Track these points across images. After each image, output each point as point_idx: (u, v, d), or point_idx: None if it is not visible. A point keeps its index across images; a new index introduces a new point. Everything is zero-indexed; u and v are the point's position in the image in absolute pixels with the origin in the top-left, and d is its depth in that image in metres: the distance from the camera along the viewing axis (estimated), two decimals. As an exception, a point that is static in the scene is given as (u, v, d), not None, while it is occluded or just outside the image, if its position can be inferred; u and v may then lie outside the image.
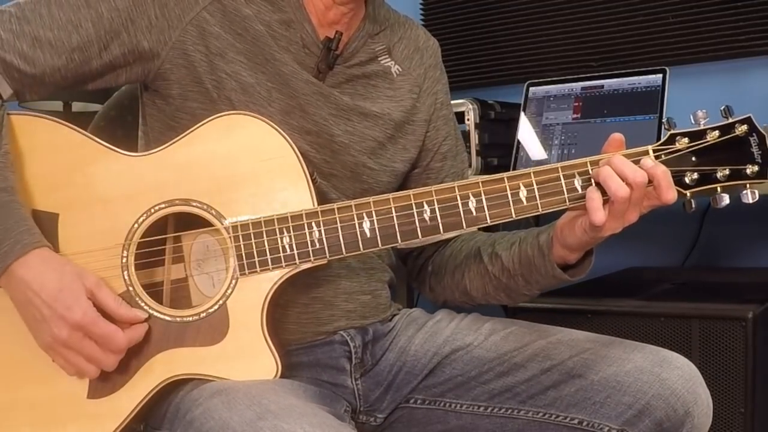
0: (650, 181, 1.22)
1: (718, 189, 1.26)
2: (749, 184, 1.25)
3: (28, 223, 1.23)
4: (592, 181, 1.25)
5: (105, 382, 1.25)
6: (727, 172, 1.24)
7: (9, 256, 1.20)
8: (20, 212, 1.23)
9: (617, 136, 1.27)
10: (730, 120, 1.25)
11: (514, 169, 2.31)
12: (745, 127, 1.25)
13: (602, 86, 2.32)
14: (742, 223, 2.37)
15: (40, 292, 1.20)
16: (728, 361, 1.88)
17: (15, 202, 1.23)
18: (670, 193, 1.22)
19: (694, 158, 1.25)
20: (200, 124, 1.30)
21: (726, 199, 1.25)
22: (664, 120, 1.28)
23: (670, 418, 1.27)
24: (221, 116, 1.29)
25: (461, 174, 1.58)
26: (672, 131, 1.27)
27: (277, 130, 1.29)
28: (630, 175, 1.21)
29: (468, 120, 2.41)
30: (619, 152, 1.25)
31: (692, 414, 1.28)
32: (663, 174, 1.22)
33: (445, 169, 1.55)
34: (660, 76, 2.21)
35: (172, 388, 1.26)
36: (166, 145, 1.30)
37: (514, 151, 2.36)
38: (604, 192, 1.23)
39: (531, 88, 2.42)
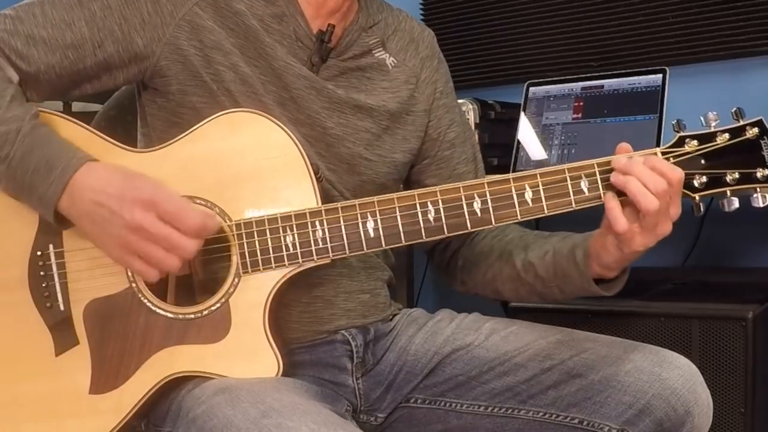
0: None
1: (728, 193, 1.24)
2: (760, 188, 1.23)
3: (71, 146, 1.26)
4: (599, 184, 1.25)
5: (107, 378, 1.25)
6: (737, 175, 1.23)
7: (64, 177, 1.22)
8: (61, 141, 1.26)
9: (624, 146, 1.26)
10: (741, 122, 1.24)
11: (514, 169, 2.32)
12: (756, 130, 1.23)
13: (602, 86, 2.32)
14: (742, 223, 2.37)
15: (106, 187, 1.22)
16: (728, 361, 1.88)
17: (55, 134, 1.26)
18: (675, 172, 1.21)
19: (703, 161, 1.24)
20: (204, 121, 1.30)
21: (736, 203, 1.24)
22: (673, 122, 1.27)
23: (670, 418, 1.27)
24: (225, 113, 1.30)
25: (473, 158, 1.58)
26: (681, 133, 1.26)
27: (281, 127, 1.29)
28: (659, 187, 1.20)
29: (468, 120, 2.41)
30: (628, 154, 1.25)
31: (692, 414, 1.28)
32: (670, 168, 1.21)
33: (455, 156, 1.55)
34: (660, 76, 2.22)
35: (174, 385, 1.27)
36: (171, 142, 1.31)
37: (514, 151, 2.36)
38: (619, 193, 1.23)
39: (531, 88, 2.43)
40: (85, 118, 1.48)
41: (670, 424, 1.28)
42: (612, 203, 1.23)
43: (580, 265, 1.33)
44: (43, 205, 1.24)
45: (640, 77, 2.26)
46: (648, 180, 1.20)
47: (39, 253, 1.28)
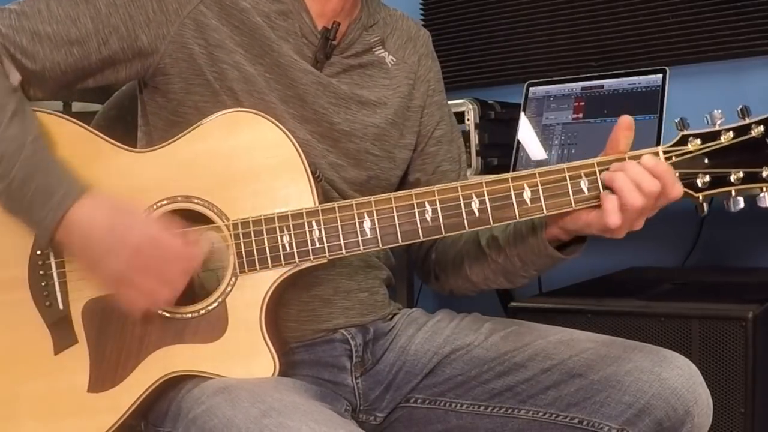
0: None
1: (733, 192, 1.23)
2: (766, 187, 1.21)
3: (71, 174, 1.25)
4: (600, 183, 1.24)
5: (105, 377, 1.25)
6: (741, 174, 1.21)
7: (62, 206, 1.21)
8: (62, 167, 1.25)
9: (627, 119, 1.25)
10: (747, 121, 1.22)
11: (514, 169, 2.32)
12: (762, 128, 1.21)
13: (602, 86, 2.32)
14: (742, 223, 2.36)
15: (94, 229, 1.22)
16: (728, 361, 1.88)
17: (56, 160, 1.26)
18: (675, 190, 1.21)
19: (706, 160, 1.23)
20: (203, 121, 1.30)
21: (741, 203, 1.23)
22: (676, 120, 1.25)
23: (670, 418, 1.27)
24: (225, 113, 1.30)
25: (458, 159, 1.59)
26: (684, 132, 1.24)
27: (280, 128, 1.29)
28: (645, 185, 1.20)
29: (468, 120, 2.41)
30: (628, 153, 1.24)
31: (692, 413, 1.28)
32: (666, 173, 1.21)
33: (441, 153, 1.56)
34: (660, 76, 2.21)
35: (173, 385, 1.27)
36: (169, 141, 1.31)
37: (514, 151, 2.36)
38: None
39: (531, 88, 2.42)
40: (85, 118, 1.48)
41: (670, 424, 1.27)
42: (609, 196, 1.22)
43: (536, 226, 1.34)
44: (39, 232, 1.24)
45: (640, 77, 2.26)
46: (641, 179, 1.20)
47: (39, 252, 1.28)
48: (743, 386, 1.86)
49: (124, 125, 1.55)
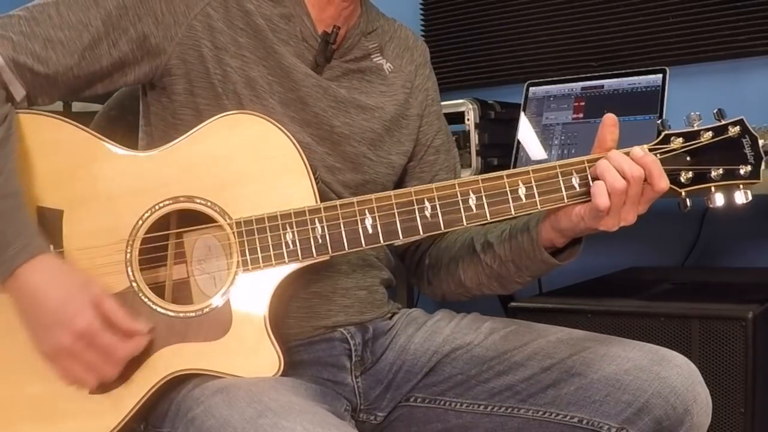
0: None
1: (713, 189, 1.29)
2: (743, 184, 1.28)
3: (33, 229, 1.23)
4: (590, 180, 1.28)
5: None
6: (721, 171, 1.28)
7: (15, 261, 1.20)
8: (26, 218, 1.23)
9: (611, 117, 1.30)
10: (723, 122, 1.29)
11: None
12: (737, 129, 1.29)
13: (602, 86, 2.32)
14: (742, 223, 2.37)
15: (45, 300, 1.20)
16: (728, 361, 1.88)
17: (22, 208, 1.23)
18: (662, 181, 1.25)
19: (689, 158, 1.29)
20: (205, 123, 1.31)
21: (720, 199, 1.29)
22: (658, 121, 1.31)
23: (670, 416, 1.27)
24: (226, 115, 1.31)
25: (453, 168, 1.61)
26: (666, 132, 1.30)
27: (280, 129, 1.30)
28: (627, 169, 1.24)
29: (468, 120, 2.41)
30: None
31: (691, 412, 1.28)
32: (653, 162, 1.25)
33: (439, 162, 1.58)
34: (660, 76, 2.22)
35: (174, 386, 1.26)
36: (171, 143, 1.32)
37: (514, 151, 2.36)
38: None
39: (531, 88, 2.43)
40: (85, 118, 1.48)
41: (669, 423, 1.28)
42: (597, 182, 1.26)
43: (531, 231, 1.37)
44: None
45: (640, 77, 2.26)
46: (625, 164, 1.25)
47: None
48: (743, 386, 1.86)
49: (125, 125, 1.55)
